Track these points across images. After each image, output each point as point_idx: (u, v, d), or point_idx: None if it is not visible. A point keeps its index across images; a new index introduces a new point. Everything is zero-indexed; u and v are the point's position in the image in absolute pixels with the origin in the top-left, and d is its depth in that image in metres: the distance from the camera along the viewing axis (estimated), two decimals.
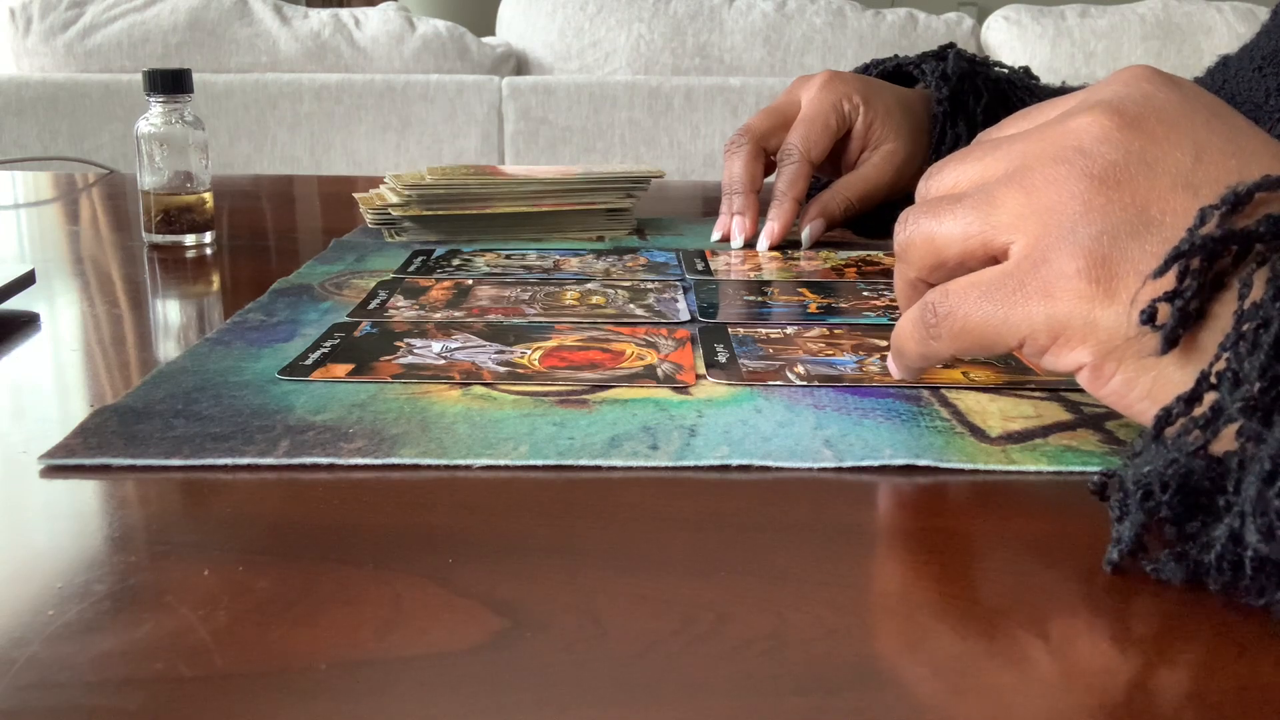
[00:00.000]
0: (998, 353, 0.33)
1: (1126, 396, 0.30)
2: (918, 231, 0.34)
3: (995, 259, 0.33)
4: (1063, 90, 0.77)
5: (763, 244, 0.68)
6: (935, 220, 0.34)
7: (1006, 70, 0.76)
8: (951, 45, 0.76)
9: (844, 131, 0.70)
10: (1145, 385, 0.30)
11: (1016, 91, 0.74)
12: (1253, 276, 0.28)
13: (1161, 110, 0.31)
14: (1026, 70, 0.76)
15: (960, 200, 0.33)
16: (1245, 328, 0.27)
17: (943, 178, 0.35)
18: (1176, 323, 0.28)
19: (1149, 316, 0.28)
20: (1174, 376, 0.29)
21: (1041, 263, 0.31)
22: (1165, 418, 0.28)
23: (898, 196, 0.73)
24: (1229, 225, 0.28)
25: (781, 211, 0.68)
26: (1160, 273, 0.28)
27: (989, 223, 0.32)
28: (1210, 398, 0.27)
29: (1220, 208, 0.28)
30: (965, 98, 0.72)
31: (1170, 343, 0.28)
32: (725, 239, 0.70)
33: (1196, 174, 0.30)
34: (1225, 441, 0.27)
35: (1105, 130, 0.31)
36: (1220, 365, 0.27)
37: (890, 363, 0.38)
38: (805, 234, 0.69)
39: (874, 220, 0.73)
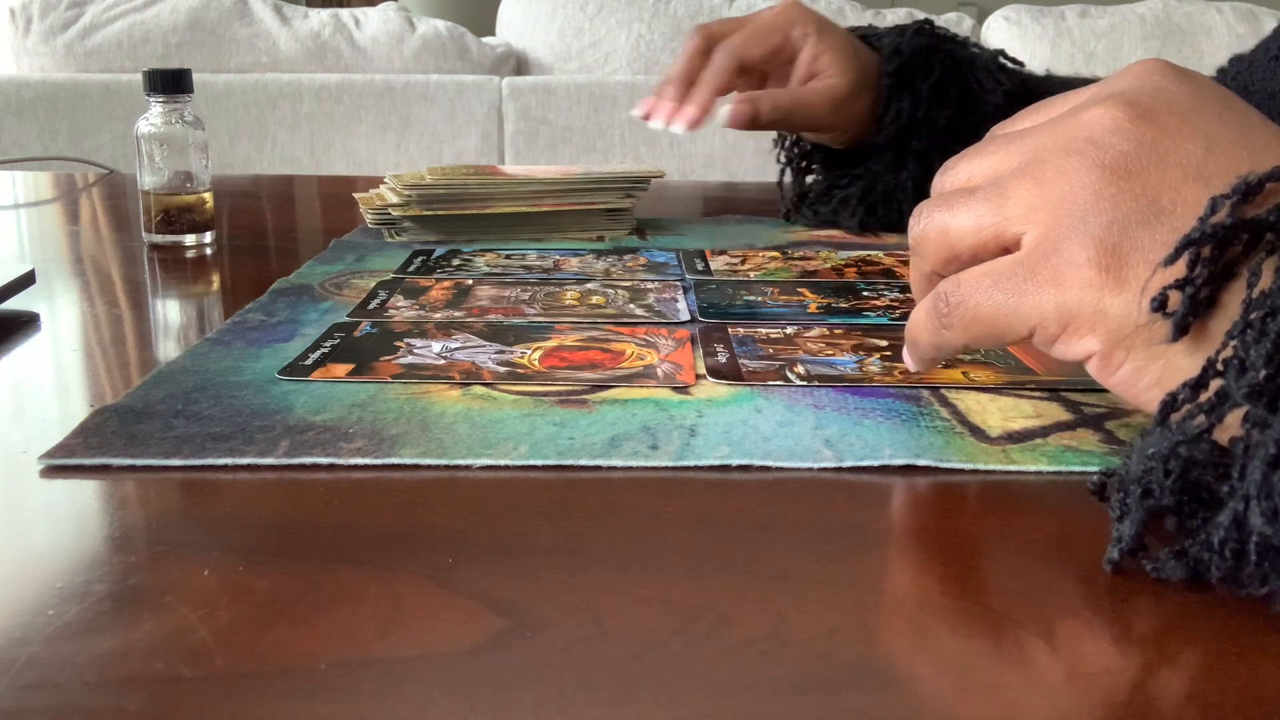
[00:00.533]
0: (1009, 342, 0.33)
1: (1135, 385, 0.30)
2: (931, 225, 0.35)
3: (1008, 250, 0.33)
4: (1047, 78, 0.77)
5: (676, 126, 0.70)
6: (949, 213, 0.34)
7: (979, 51, 0.77)
8: (925, 21, 0.77)
9: (787, 54, 0.73)
10: (1154, 373, 0.30)
11: (976, 73, 0.75)
12: (1262, 265, 0.28)
13: (1174, 103, 0.31)
14: (1001, 52, 0.77)
15: (973, 193, 0.33)
16: (1253, 316, 0.27)
17: (957, 172, 0.36)
18: (1187, 310, 0.28)
19: (1160, 304, 0.29)
20: (1183, 365, 0.29)
21: (1052, 252, 0.31)
22: (1171, 403, 0.28)
23: (830, 132, 0.75)
24: (1240, 214, 0.28)
25: (699, 97, 0.70)
26: (1171, 260, 0.28)
27: (1001, 214, 0.32)
28: (1216, 384, 0.27)
29: (1231, 197, 0.28)
30: (913, 75, 0.73)
31: (1181, 330, 0.28)
32: (645, 117, 0.72)
33: (1208, 165, 0.30)
34: (1230, 430, 0.27)
35: (1117, 122, 0.31)
36: (1227, 352, 0.27)
37: (905, 354, 0.38)
38: (724, 111, 0.71)
39: (856, 213, 0.75)
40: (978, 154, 0.35)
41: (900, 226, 0.74)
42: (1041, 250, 0.31)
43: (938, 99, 0.73)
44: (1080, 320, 0.30)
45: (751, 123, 0.72)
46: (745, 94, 0.71)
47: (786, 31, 0.72)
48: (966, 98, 0.74)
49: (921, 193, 0.76)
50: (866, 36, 0.78)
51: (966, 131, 0.73)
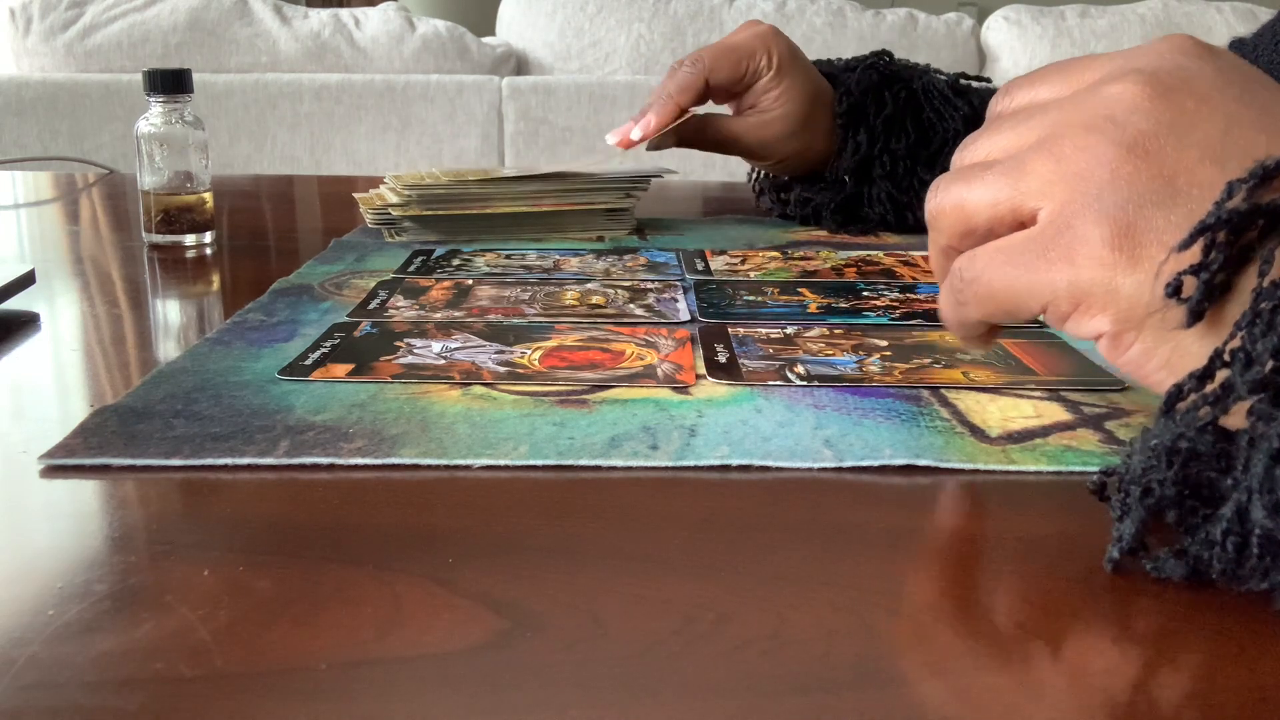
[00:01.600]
0: (1022, 319, 0.33)
1: (1144, 366, 0.30)
2: (947, 198, 0.34)
3: (1023, 226, 0.32)
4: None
5: (635, 133, 0.72)
6: (965, 187, 0.34)
7: (939, 76, 0.79)
8: (880, 55, 0.79)
9: (751, 79, 0.75)
10: (1163, 355, 0.30)
11: (932, 102, 0.77)
12: (1274, 253, 0.27)
13: (1194, 82, 0.31)
14: (962, 74, 0.80)
15: (990, 167, 0.33)
16: (1263, 306, 0.27)
17: (976, 148, 0.35)
18: (1202, 296, 0.28)
19: (1174, 290, 0.28)
20: (1193, 348, 0.29)
21: (1065, 228, 0.30)
22: (1177, 394, 0.28)
23: (766, 161, 0.79)
24: (1256, 199, 0.28)
25: (661, 109, 0.72)
26: (1185, 245, 0.28)
27: (1018, 189, 0.32)
28: (1222, 375, 0.27)
29: (1248, 181, 0.28)
30: (865, 111, 0.76)
31: (1195, 316, 0.28)
32: (621, 143, 0.73)
33: (1226, 147, 0.30)
34: (1236, 420, 0.27)
35: (1136, 100, 0.31)
36: (1235, 343, 0.27)
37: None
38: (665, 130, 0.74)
39: (847, 214, 0.77)
40: (996, 130, 0.35)
41: (878, 229, 0.75)
42: (1055, 226, 0.31)
43: (892, 131, 0.76)
44: (1092, 299, 0.30)
45: (676, 142, 0.76)
46: (691, 119, 0.75)
47: (755, 59, 0.75)
48: (923, 127, 0.76)
49: (895, 201, 0.78)
50: (826, 73, 0.80)
51: (927, 157, 0.75)
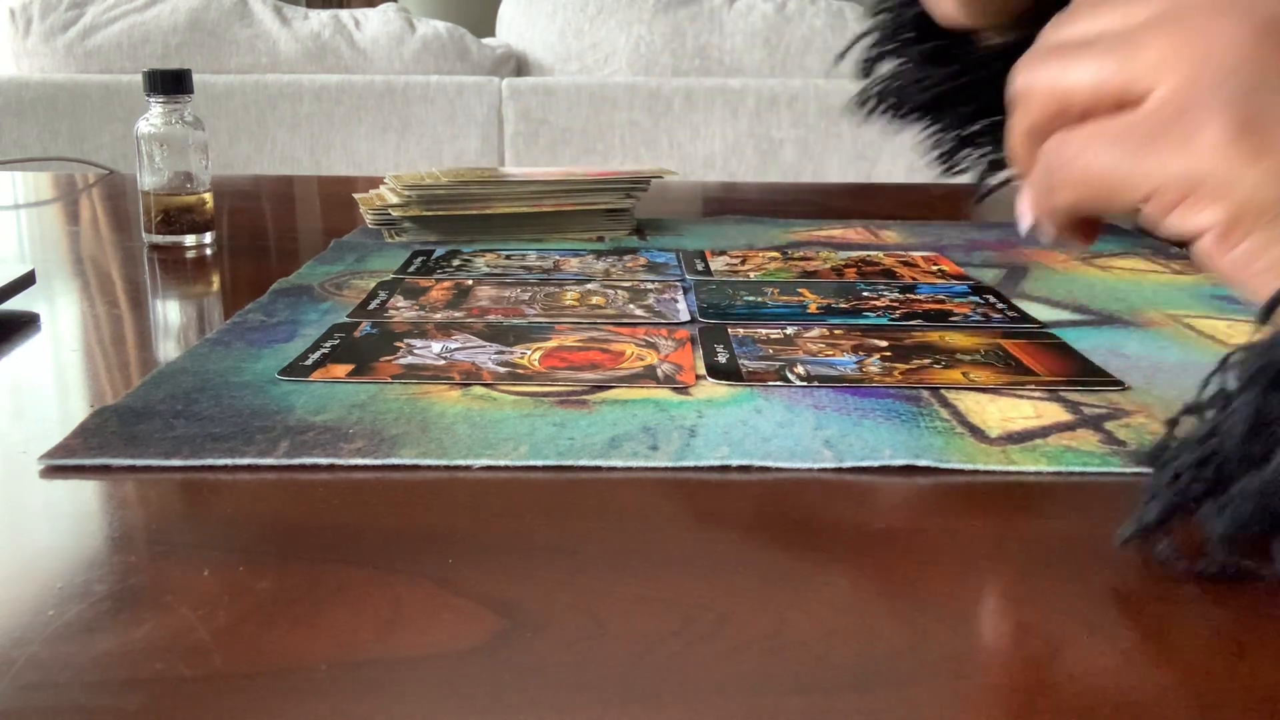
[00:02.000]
0: (1118, 208, 0.30)
1: (1250, 266, 0.28)
2: (1043, 76, 0.31)
3: (1124, 110, 0.30)
4: None
5: None
6: (1064, 65, 0.31)
7: None
8: None
9: None
10: (1274, 255, 0.27)
11: None
12: None
13: None
14: None
15: (1093, 44, 0.30)
16: None
17: (1074, 26, 0.32)
18: None
19: None
20: None
21: (1183, 112, 0.28)
22: (1276, 301, 0.27)
23: None
24: None
25: None
26: None
27: (1128, 66, 0.29)
28: None
29: None
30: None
31: None
32: None
33: None
34: None
35: None
36: None
37: (1020, 220, 0.34)
38: None
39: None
40: (1095, 7, 0.31)
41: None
42: (1172, 108, 0.28)
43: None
44: (1204, 190, 0.28)
45: None
46: None
47: None
48: None
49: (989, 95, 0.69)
50: None
51: None
